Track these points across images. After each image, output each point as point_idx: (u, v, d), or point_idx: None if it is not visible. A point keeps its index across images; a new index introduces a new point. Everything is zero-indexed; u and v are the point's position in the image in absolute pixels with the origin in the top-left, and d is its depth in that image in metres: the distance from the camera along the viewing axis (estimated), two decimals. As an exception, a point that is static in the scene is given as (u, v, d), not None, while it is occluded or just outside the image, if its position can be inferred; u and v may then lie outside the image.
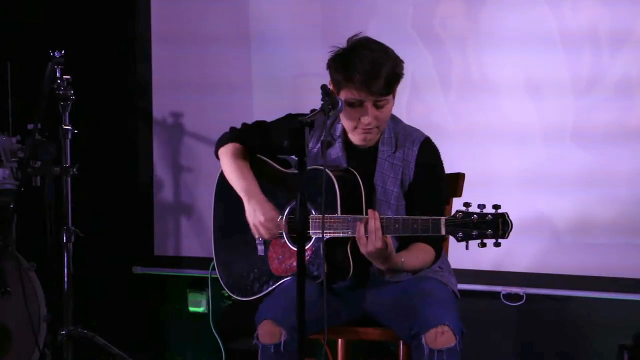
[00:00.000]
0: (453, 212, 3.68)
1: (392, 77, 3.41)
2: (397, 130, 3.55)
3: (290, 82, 4.96)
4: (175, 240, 5.32)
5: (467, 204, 3.16)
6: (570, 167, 4.51)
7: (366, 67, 3.38)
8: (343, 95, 3.43)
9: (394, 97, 3.48)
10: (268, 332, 3.38)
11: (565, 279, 4.56)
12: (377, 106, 3.43)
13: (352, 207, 3.42)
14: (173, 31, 5.26)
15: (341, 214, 3.39)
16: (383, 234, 3.28)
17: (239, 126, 3.73)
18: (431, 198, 3.50)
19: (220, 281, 3.73)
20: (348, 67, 3.41)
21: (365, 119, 3.43)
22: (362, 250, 3.31)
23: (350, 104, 3.43)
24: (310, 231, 3.46)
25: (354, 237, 3.34)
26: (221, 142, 3.71)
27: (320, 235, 3.40)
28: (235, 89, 5.11)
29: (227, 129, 3.77)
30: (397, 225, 3.27)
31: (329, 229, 3.37)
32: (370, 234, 3.28)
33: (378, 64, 3.39)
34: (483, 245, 3.14)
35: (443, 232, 3.19)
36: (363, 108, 3.43)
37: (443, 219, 3.20)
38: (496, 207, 3.13)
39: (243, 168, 3.63)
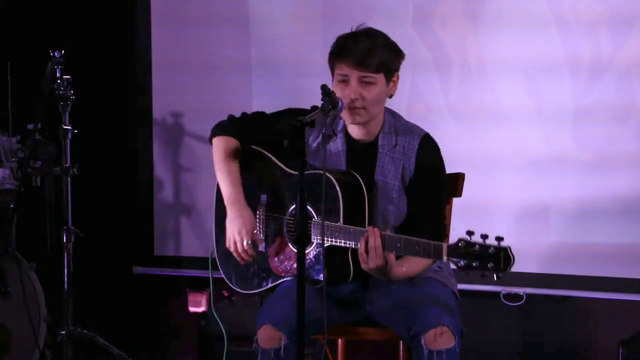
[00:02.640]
0: (453, 211, 3.72)
1: (377, 54, 3.42)
2: (397, 125, 3.55)
3: (290, 84, 4.96)
4: (175, 240, 5.32)
5: (470, 233, 3.10)
6: (571, 168, 4.51)
7: (353, 42, 3.43)
8: (335, 77, 3.46)
9: (387, 83, 3.47)
10: (268, 337, 3.37)
11: (565, 279, 4.56)
12: (362, 82, 3.43)
13: (356, 212, 3.41)
14: (173, 31, 5.26)
15: (344, 221, 3.38)
16: (384, 250, 3.28)
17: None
18: (432, 200, 3.50)
19: (221, 271, 3.71)
20: (338, 44, 3.46)
21: (351, 94, 3.42)
22: (363, 266, 3.31)
23: (339, 82, 3.44)
24: (312, 237, 3.44)
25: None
26: (217, 131, 3.67)
27: (322, 240, 3.39)
28: (235, 88, 5.11)
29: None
30: (398, 245, 3.26)
31: (331, 237, 3.37)
32: (370, 251, 3.28)
33: (365, 40, 3.43)
34: (484, 276, 3.11)
35: (444, 259, 3.16)
36: (350, 85, 3.44)
37: (445, 246, 3.16)
38: (499, 239, 3.06)
39: (232, 172, 3.60)
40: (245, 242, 3.52)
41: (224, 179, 3.60)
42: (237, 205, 3.55)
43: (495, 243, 3.06)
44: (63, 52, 4.28)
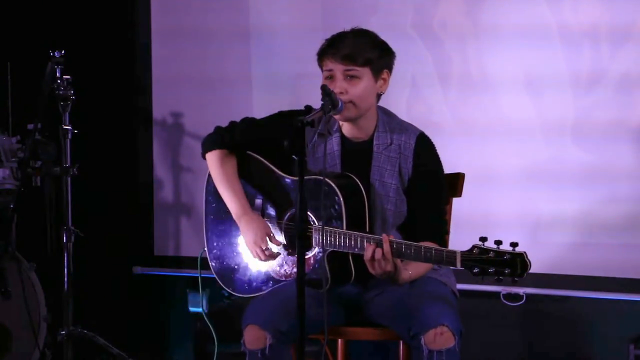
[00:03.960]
0: (453, 210, 3.72)
1: (362, 49, 3.42)
2: (392, 125, 3.54)
3: (289, 81, 4.96)
4: (175, 240, 5.32)
5: (483, 239, 3.10)
6: (571, 166, 4.51)
7: (339, 39, 3.45)
8: (323, 74, 3.46)
9: (375, 79, 3.46)
10: (254, 338, 3.38)
11: (566, 279, 4.56)
12: (347, 76, 3.43)
13: (357, 216, 3.39)
14: (173, 30, 5.27)
15: (347, 227, 3.36)
16: (393, 256, 3.27)
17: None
18: (432, 199, 3.50)
19: (216, 277, 3.70)
20: (325, 43, 3.48)
21: (336, 89, 3.41)
22: (371, 271, 3.31)
23: (326, 78, 3.45)
24: (313, 244, 3.42)
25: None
26: (207, 146, 3.67)
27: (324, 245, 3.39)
28: (235, 87, 5.11)
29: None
30: (409, 251, 3.25)
31: (335, 244, 3.35)
32: (378, 259, 3.27)
33: (351, 37, 3.44)
34: (499, 281, 3.11)
35: (458, 266, 3.15)
36: (335, 80, 3.44)
37: (459, 253, 3.15)
38: (514, 245, 3.08)
39: (233, 183, 3.61)
40: (262, 248, 3.53)
41: (228, 195, 3.61)
42: (246, 217, 3.57)
43: (510, 249, 3.06)
44: (63, 52, 4.28)
